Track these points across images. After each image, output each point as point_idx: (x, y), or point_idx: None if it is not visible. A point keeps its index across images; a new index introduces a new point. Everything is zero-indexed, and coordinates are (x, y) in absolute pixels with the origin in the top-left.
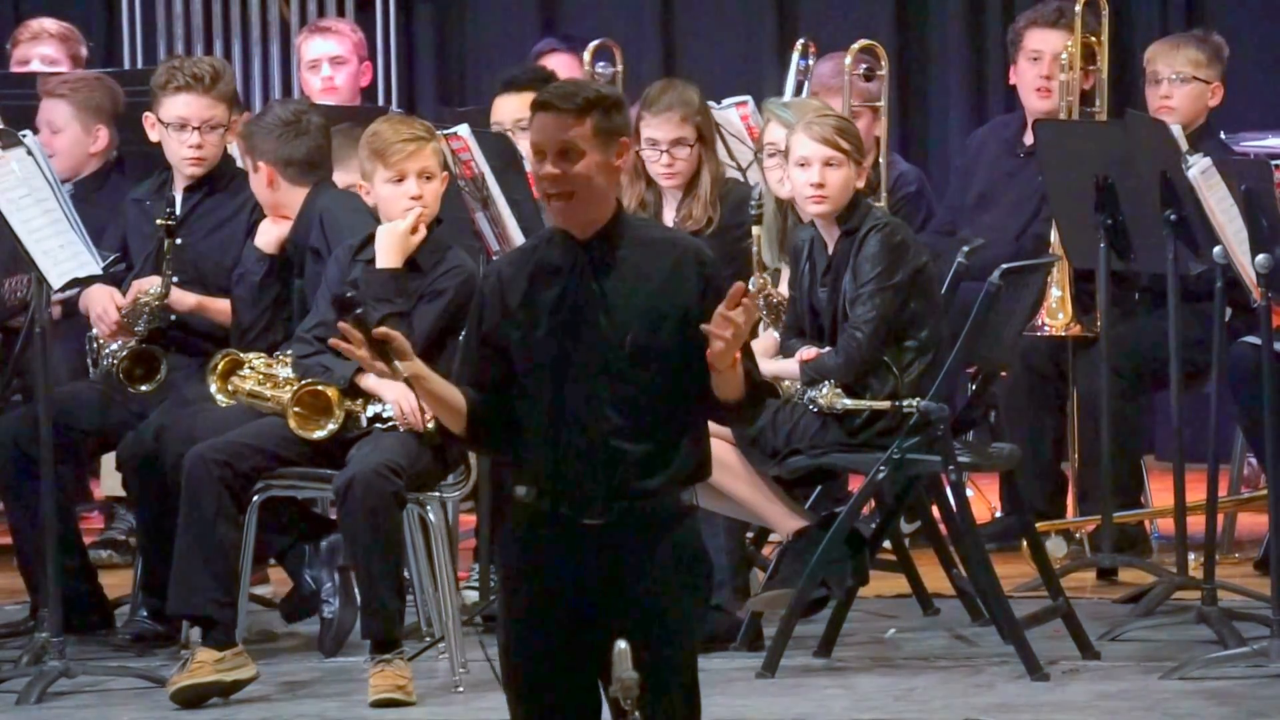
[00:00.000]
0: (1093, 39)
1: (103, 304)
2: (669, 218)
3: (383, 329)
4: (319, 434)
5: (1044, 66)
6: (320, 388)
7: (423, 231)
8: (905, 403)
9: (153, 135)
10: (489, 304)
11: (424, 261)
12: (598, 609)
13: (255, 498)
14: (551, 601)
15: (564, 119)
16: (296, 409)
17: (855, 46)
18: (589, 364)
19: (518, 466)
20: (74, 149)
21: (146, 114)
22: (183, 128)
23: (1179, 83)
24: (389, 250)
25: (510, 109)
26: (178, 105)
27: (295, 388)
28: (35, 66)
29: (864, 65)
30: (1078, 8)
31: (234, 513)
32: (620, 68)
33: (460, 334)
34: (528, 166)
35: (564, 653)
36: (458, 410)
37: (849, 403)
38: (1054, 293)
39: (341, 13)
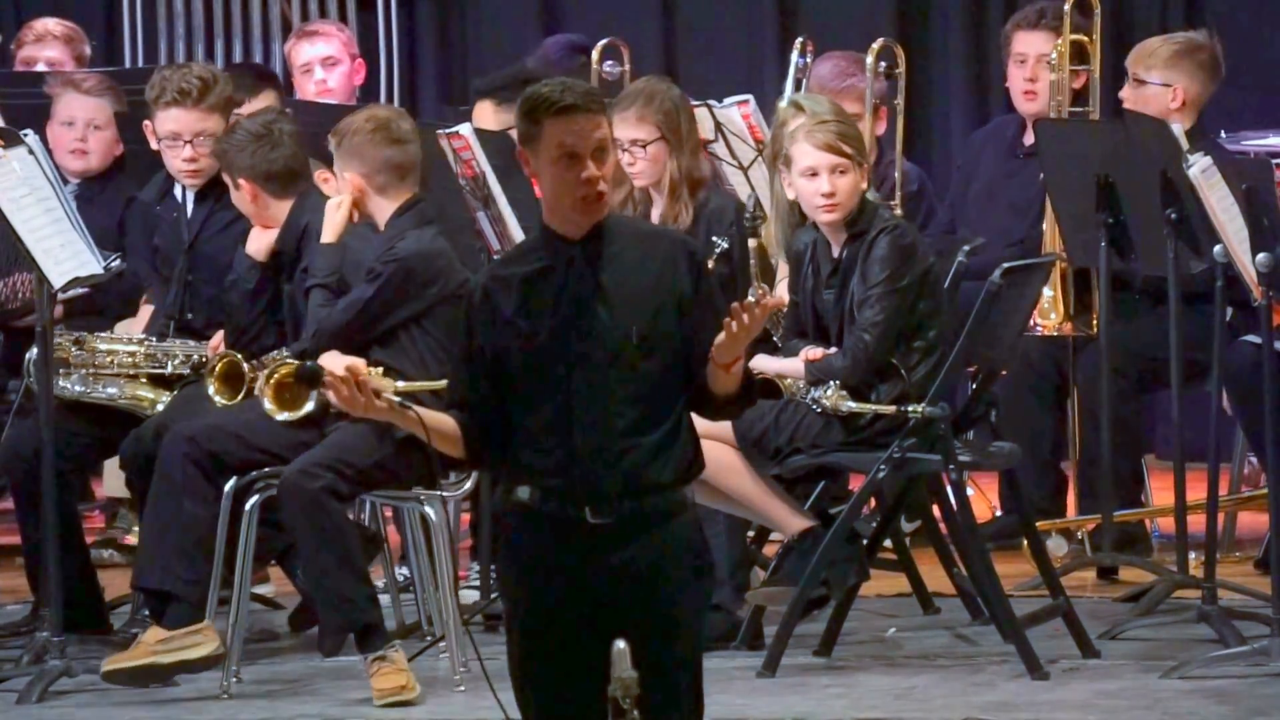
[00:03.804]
0: (1084, 38)
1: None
2: (655, 218)
3: (353, 364)
4: (289, 415)
5: (1028, 69)
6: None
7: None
8: (911, 408)
9: (153, 144)
10: (477, 319)
11: (380, 246)
12: (605, 609)
13: (255, 496)
14: (559, 604)
15: (595, 119)
16: (274, 387)
17: (875, 46)
18: (597, 358)
19: (518, 470)
20: (114, 147)
21: (146, 122)
22: (175, 139)
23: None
24: (325, 227)
25: (489, 121)
26: (168, 120)
27: (271, 368)
28: (41, 69)
29: (884, 64)
30: (1066, 7)
31: (203, 489)
32: (627, 67)
33: (402, 320)
34: None
35: (574, 655)
36: (452, 436)
37: (853, 405)
38: (1046, 292)
39: (343, 12)
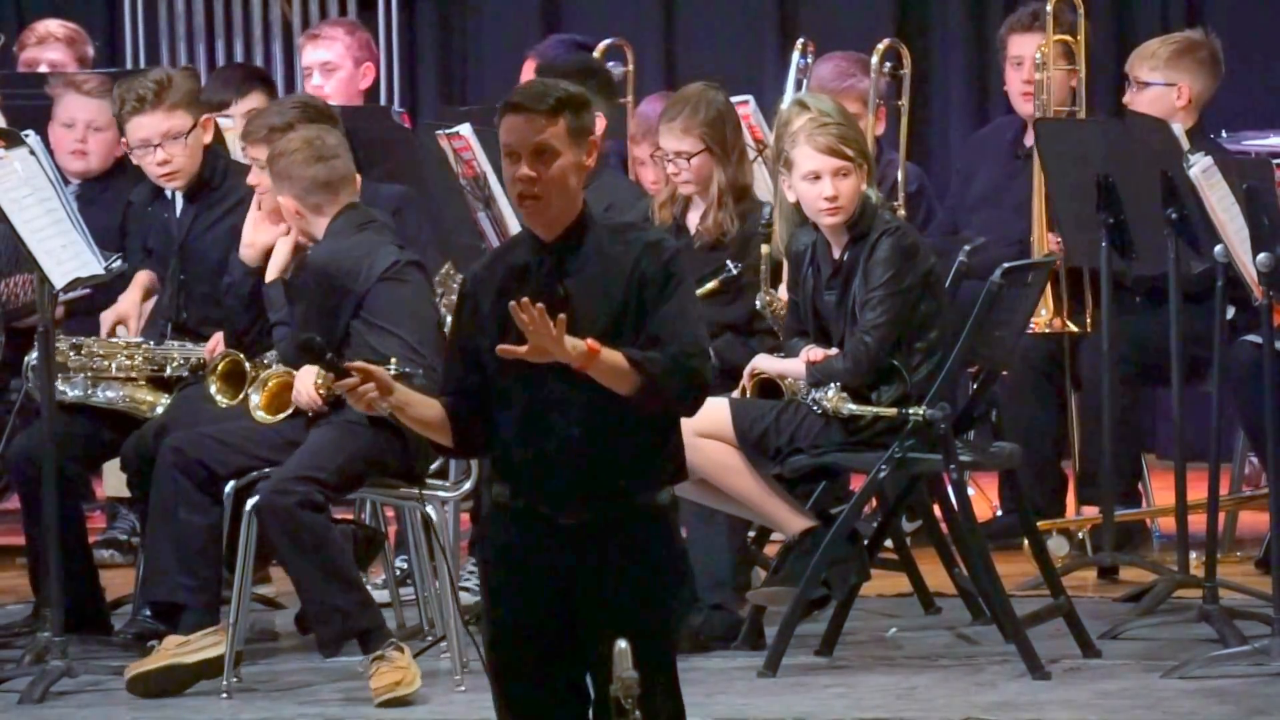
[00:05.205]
0: (1069, 38)
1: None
2: (693, 221)
3: (359, 364)
4: (278, 417)
5: (1025, 71)
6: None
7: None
8: (911, 411)
9: (132, 158)
10: (465, 311)
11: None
12: (578, 607)
13: (255, 498)
14: (533, 600)
15: (537, 120)
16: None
17: (880, 46)
18: (558, 364)
19: (495, 466)
20: (115, 148)
21: (121, 139)
22: (146, 145)
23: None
24: (270, 265)
25: None
26: (137, 129)
27: (263, 377)
28: (44, 71)
29: (889, 64)
30: (1049, 7)
31: (195, 497)
32: (630, 67)
33: (346, 321)
34: None
35: (548, 651)
36: (443, 427)
37: (854, 408)
38: None
39: (343, 12)
